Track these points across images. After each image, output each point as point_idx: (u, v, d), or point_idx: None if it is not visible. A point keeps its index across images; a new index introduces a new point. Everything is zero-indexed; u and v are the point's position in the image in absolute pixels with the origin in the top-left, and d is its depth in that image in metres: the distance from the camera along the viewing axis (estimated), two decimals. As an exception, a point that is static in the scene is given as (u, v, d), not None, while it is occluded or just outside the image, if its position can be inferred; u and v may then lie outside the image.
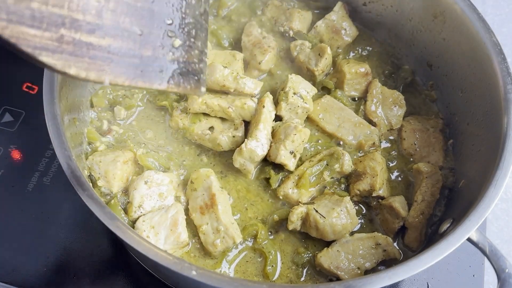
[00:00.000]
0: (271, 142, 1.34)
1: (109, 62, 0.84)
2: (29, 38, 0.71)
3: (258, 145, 1.31)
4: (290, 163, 1.32)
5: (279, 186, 1.34)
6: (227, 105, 1.35)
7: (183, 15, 0.99)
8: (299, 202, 1.31)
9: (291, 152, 1.32)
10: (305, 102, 1.39)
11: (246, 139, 1.31)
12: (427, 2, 1.46)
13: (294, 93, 1.38)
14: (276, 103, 1.40)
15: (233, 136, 1.37)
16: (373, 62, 1.61)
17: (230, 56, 1.49)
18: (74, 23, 0.78)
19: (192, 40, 1.03)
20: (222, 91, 1.37)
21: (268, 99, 1.37)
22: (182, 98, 1.44)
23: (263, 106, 1.34)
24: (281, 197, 1.33)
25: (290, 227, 1.26)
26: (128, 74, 0.87)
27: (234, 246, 1.25)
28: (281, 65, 1.58)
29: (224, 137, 1.36)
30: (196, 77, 1.04)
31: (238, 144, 1.36)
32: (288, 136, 1.31)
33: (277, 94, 1.42)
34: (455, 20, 1.39)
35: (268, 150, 1.33)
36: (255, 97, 1.40)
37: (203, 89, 1.07)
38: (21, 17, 0.70)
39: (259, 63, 1.50)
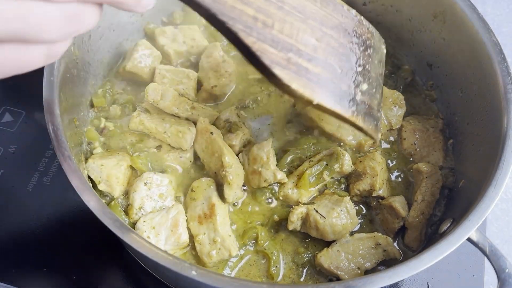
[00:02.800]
0: (257, 169, 1.28)
1: (319, 86, 1.05)
2: (268, 54, 0.96)
3: (235, 188, 1.27)
4: (281, 175, 1.29)
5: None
6: (163, 130, 1.31)
7: (369, 69, 1.23)
8: (299, 202, 1.31)
9: (276, 165, 1.30)
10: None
11: (224, 187, 1.26)
12: (427, 2, 1.46)
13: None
14: (229, 130, 1.35)
15: (180, 157, 1.33)
16: (373, 62, 1.61)
17: (184, 74, 1.44)
18: (298, 51, 1.02)
19: (374, 90, 1.25)
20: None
21: (207, 123, 1.31)
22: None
23: (211, 133, 1.28)
24: (281, 198, 1.33)
25: (290, 227, 1.26)
26: (330, 99, 1.08)
27: (235, 256, 1.24)
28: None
29: (169, 157, 1.32)
30: (375, 122, 1.24)
31: (185, 165, 1.34)
32: (269, 154, 1.27)
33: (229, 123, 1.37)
34: (455, 20, 1.39)
35: (259, 176, 1.28)
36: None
37: (379, 135, 1.27)
38: (265, 38, 0.95)
39: (212, 88, 1.44)
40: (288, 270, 1.26)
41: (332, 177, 1.35)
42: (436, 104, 1.55)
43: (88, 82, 1.39)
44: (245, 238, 1.26)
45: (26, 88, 1.60)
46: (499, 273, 1.06)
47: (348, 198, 1.28)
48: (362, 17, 1.24)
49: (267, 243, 1.26)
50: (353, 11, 1.21)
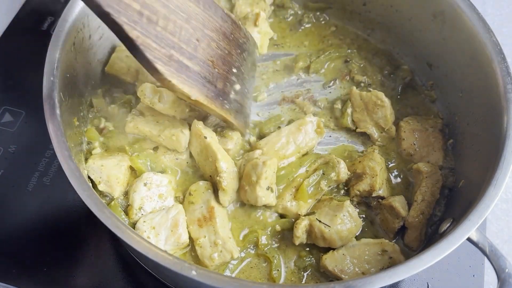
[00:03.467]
0: (244, 186, 1.26)
1: (198, 84, 1.14)
2: (151, 49, 1.01)
3: (230, 193, 1.27)
4: (271, 199, 1.27)
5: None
6: (157, 133, 1.30)
7: (243, 70, 1.33)
8: (299, 214, 1.28)
9: (268, 188, 1.26)
10: None
11: (219, 193, 1.25)
12: (427, 2, 1.46)
13: None
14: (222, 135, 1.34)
15: (176, 159, 1.33)
16: (373, 62, 1.61)
17: None
18: (180, 49, 1.09)
19: (246, 90, 1.35)
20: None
21: (201, 126, 1.29)
22: None
23: (205, 137, 1.27)
24: (280, 211, 1.29)
25: (297, 242, 1.23)
26: (207, 96, 1.17)
27: (236, 258, 1.23)
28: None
29: (166, 158, 1.32)
30: (245, 119, 1.35)
31: (182, 166, 1.33)
32: (260, 176, 1.23)
33: None
34: (455, 20, 1.39)
35: (245, 194, 1.27)
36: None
37: (247, 130, 1.37)
38: (150, 34, 1.01)
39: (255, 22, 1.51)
40: (289, 273, 1.25)
41: (329, 186, 1.33)
42: (436, 104, 1.55)
43: (88, 82, 1.39)
44: (246, 242, 1.25)
45: (26, 88, 1.60)
46: (499, 273, 1.06)
47: (348, 202, 1.27)
48: (239, 22, 1.35)
49: (268, 247, 1.25)
50: (232, 16, 1.32)
